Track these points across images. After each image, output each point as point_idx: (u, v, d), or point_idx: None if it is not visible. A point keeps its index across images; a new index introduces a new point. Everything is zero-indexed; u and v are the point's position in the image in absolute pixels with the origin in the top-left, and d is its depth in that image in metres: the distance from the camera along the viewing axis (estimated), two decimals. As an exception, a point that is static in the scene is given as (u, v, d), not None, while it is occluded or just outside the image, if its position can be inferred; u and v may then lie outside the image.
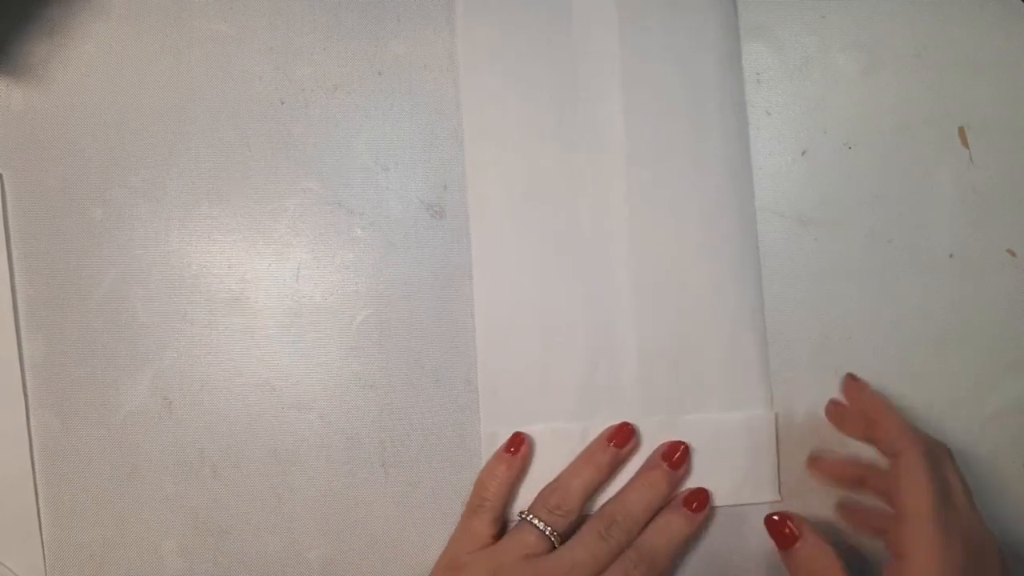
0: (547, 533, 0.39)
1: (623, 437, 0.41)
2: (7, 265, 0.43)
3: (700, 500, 0.40)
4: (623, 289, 0.42)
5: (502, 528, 0.41)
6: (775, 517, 0.39)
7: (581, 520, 0.40)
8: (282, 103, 0.44)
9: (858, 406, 0.41)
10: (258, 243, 0.43)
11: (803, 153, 0.43)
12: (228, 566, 0.42)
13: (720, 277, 0.42)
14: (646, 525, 0.40)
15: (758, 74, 0.44)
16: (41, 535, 0.42)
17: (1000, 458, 0.42)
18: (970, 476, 0.41)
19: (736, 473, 0.42)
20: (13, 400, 0.42)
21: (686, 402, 0.42)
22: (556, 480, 0.41)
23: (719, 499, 0.41)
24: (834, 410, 0.42)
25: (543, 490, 0.41)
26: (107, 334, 0.43)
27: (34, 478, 0.42)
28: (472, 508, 0.41)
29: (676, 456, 0.41)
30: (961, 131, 0.43)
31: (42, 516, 0.42)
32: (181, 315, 0.43)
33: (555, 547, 0.39)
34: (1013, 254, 0.43)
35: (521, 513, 0.40)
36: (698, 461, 0.42)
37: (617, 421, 0.42)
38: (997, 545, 0.36)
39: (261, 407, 0.42)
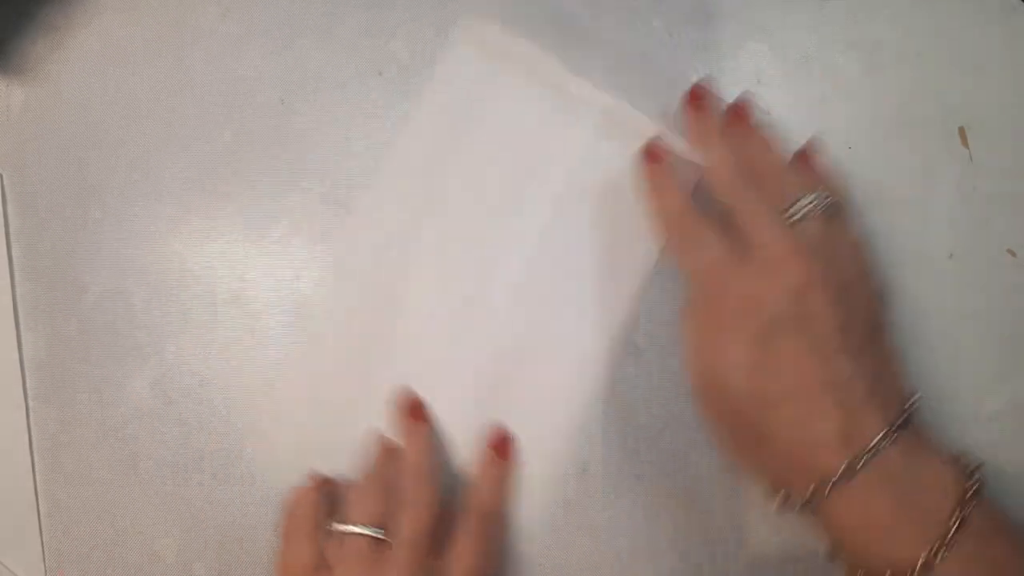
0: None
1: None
2: (7, 264, 0.43)
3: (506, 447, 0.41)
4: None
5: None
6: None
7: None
8: (282, 102, 0.44)
9: (738, 141, 0.37)
10: (258, 243, 0.43)
11: (803, 153, 0.43)
12: (228, 565, 0.42)
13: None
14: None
15: (758, 74, 0.44)
16: (41, 535, 0.42)
17: (1000, 458, 0.42)
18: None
19: None
20: (13, 400, 0.42)
21: None
22: None
23: None
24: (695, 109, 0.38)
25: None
26: (107, 333, 0.43)
27: (34, 478, 0.42)
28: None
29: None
30: (961, 131, 0.43)
31: (42, 516, 0.42)
32: (181, 314, 0.43)
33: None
34: (1013, 254, 0.43)
35: None
36: None
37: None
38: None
39: (261, 407, 0.42)
